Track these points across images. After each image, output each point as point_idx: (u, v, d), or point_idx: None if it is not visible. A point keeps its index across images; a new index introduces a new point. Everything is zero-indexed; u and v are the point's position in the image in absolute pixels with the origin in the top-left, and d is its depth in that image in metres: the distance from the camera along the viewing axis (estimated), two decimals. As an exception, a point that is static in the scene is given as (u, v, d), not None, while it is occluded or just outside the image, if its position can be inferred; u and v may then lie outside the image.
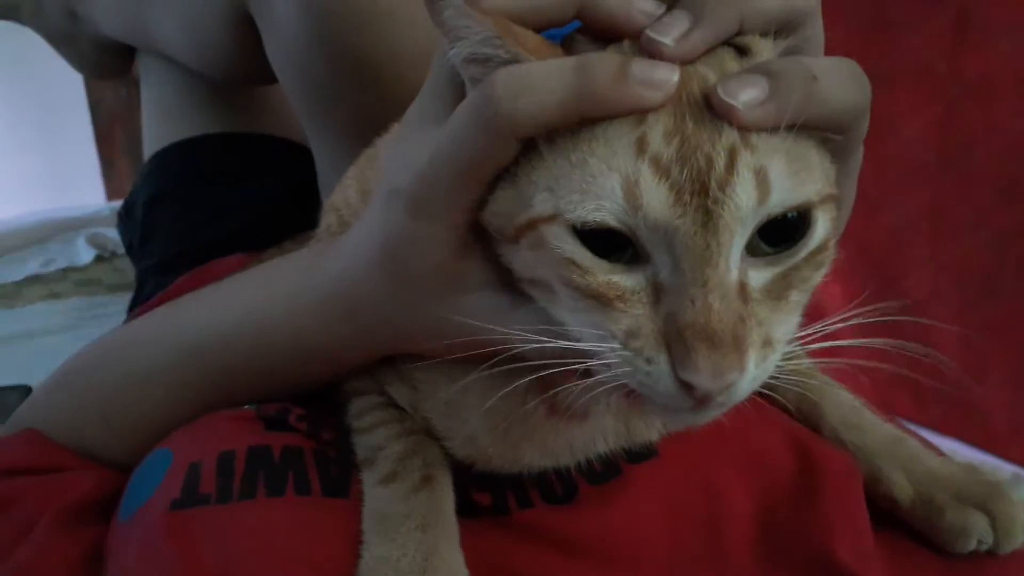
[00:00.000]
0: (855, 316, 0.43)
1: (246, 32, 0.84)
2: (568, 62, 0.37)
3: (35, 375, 0.91)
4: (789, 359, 0.41)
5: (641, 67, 0.37)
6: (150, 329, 0.64)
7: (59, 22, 1.20)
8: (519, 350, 0.43)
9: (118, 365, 0.63)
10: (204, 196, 1.04)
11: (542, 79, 0.37)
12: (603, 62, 0.37)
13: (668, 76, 0.37)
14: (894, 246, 1.47)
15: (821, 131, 0.39)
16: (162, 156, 1.10)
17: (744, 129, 0.36)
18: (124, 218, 1.13)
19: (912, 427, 0.71)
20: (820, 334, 0.42)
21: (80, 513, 0.56)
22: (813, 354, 0.42)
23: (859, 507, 0.57)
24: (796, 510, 0.57)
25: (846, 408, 0.63)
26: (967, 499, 0.56)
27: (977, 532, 0.54)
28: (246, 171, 1.06)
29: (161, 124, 1.12)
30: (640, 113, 0.37)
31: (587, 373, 0.41)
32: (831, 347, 0.42)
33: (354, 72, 0.74)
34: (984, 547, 0.55)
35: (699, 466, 0.59)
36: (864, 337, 0.44)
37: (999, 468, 0.90)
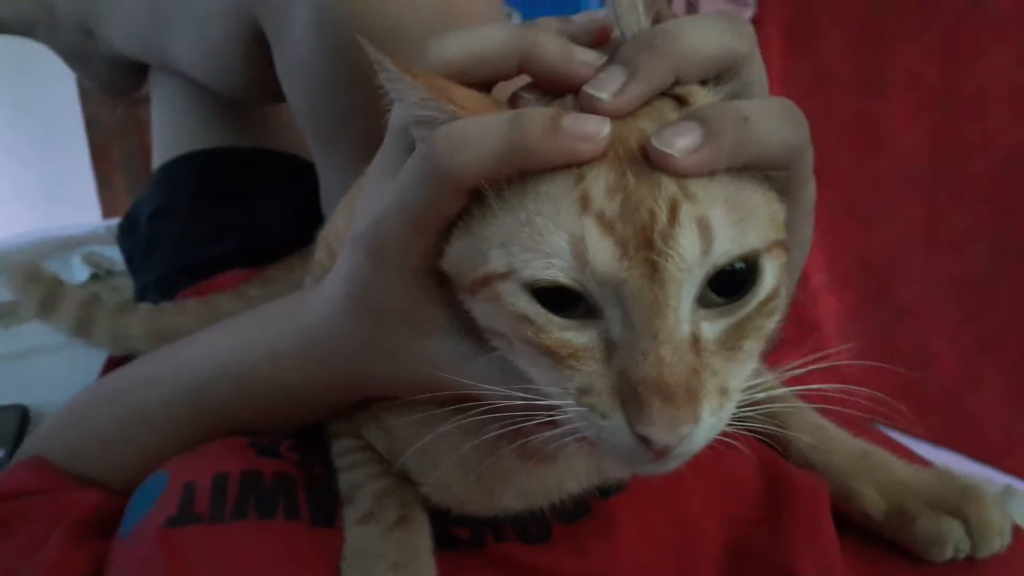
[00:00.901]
0: (851, 351, 0.43)
1: (259, 52, 0.85)
2: (503, 117, 0.38)
3: (31, 394, 0.91)
4: (757, 390, 0.41)
5: (572, 120, 0.37)
6: (148, 371, 0.67)
7: (74, 40, 1.21)
8: (484, 398, 0.43)
9: (118, 404, 0.66)
10: (209, 210, 1.04)
11: (478, 134, 0.38)
12: (535, 116, 0.37)
13: (599, 128, 0.37)
14: (890, 258, 1.47)
15: (762, 171, 0.39)
16: (169, 168, 1.10)
17: (682, 176, 0.37)
18: (126, 230, 1.13)
19: (908, 440, 0.71)
20: (807, 370, 0.42)
21: (83, 530, 0.58)
22: (809, 398, 0.42)
23: (825, 525, 0.57)
24: (763, 533, 0.58)
25: (811, 428, 0.63)
26: (940, 505, 0.56)
27: (952, 539, 0.54)
28: (252, 186, 1.06)
29: (170, 137, 1.12)
30: (578, 167, 0.38)
31: (551, 422, 0.42)
32: (829, 373, 0.42)
33: (366, 94, 0.74)
34: (962, 554, 0.55)
35: (669, 496, 0.59)
36: (857, 350, 0.44)
37: (991, 481, 0.90)
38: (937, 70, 1.42)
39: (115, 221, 1.25)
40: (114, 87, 1.29)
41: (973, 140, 1.41)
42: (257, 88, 0.93)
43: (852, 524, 0.58)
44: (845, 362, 0.44)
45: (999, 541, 0.54)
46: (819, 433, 0.62)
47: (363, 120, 0.77)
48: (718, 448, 0.40)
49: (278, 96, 0.86)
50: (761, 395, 0.41)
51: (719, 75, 0.42)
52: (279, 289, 0.85)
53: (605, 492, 0.58)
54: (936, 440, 1.36)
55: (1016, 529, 0.56)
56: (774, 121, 0.39)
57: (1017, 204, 1.38)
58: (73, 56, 1.26)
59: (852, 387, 0.43)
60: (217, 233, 1.01)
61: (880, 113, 1.47)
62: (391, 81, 0.40)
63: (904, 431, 0.78)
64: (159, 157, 1.13)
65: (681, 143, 0.36)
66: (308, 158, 1.03)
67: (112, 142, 1.99)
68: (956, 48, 1.40)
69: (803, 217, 0.45)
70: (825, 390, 0.42)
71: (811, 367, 0.42)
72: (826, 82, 1.53)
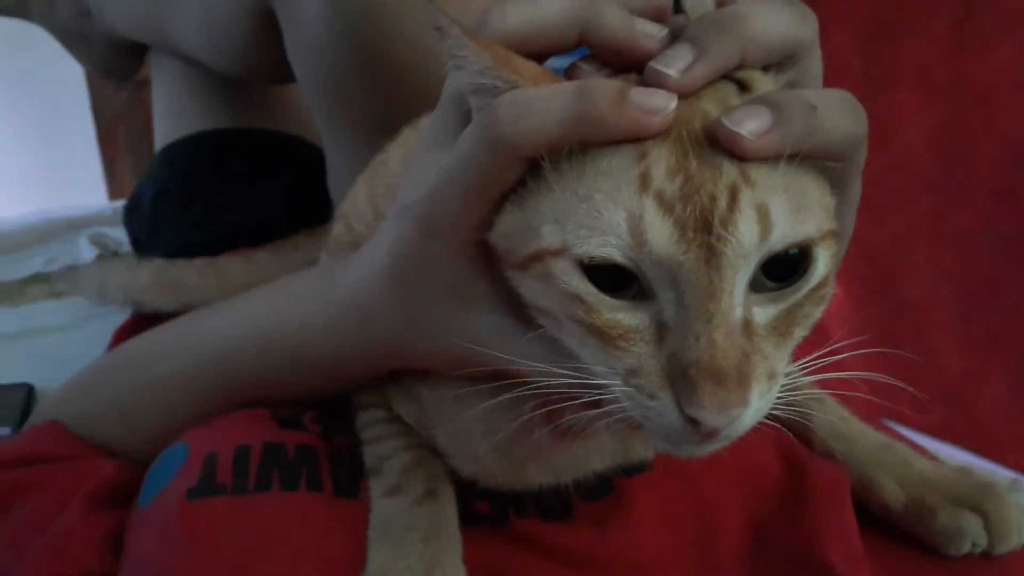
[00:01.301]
0: (859, 346, 0.44)
1: (267, 30, 0.84)
2: (569, 86, 0.38)
3: (37, 374, 0.91)
4: (794, 377, 0.41)
5: (640, 93, 0.37)
6: (171, 337, 0.66)
7: (71, 20, 1.19)
8: (522, 377, 0.43)
9: (139, 370, 0.65)
10: (212, 191, 1.03)
11: (543, 102, 0.38)
12: (603, 86, 0.38)
13: (666, 103, 0.37)
14: (895, 252, 1.47)
15: (820, 160, 0.40)
16: (171, 150, 1.09)
17: (748, 159, 0.37)
18: (131, 211, 1.13)
19: (911, 433, 0.72)
20: (824, 363, 0.42)
21: (102, 498, 0.58)
22: (817, 379, 0.43)
23: (847, 513, 0.58)
24: (786, 518, 0.58)
25: (834, 419, 0.63)
26: (960, 501, 0.56)
27: (971, 534, 0.55)
28: (255, 167, 1.05)
29: (172, 119, 1.11)
30: (641, 146, 0.38)
31: (594, 402, 0.42)
32: (833, 367, 0.42)
33: (376, 67, 0.74)
34: (979, 549, 0.55)
35: (691, 478, 0.59)
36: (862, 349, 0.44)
37: (997, 473, 0.90)
38: (944, 64, 1.42)
39: (121, 202, 1.25)
40: (112, 69, 1.28)
41: (979, 135, 1.41)
42: (263, 68, 0.93)
43: (869, 515, 0.59)
44: (853, 352, 0.44)
45: (1017, 539, 0.55)
46: (842, 424, 0.63)
47: (374, 101, 0.77)
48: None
49: (284, 76, 0.86)
50: (807, 379, 0.41)
51: (781, 62, 0.42)
52: (288, 260, 0.85)
53: (628, 471, 0.58)
54: (939, 435, 1.36)
55: None
56: (839, 112, 0.39)
57: (1022, 198, 1.38)
58: (70, 37, 1.24)
59: (870, 375, 0.43)
60: (219, 214, 1.01)
61: (887, 107, 1.46)
62: (455, 47, 0.40)
63: (909, 426, 0.79)
64: (161, 139, 1.12)
65: (751, 125, 0.37)
66: (310, 139, 1.03)
67: (118, 125, 1.99)
68: (963, 42, 1.40)
69: (848, 212, 0.45)
70: (842, 379, 0.42)
71: (827, 359, 0.42)
72: (832, 76, 1.52)
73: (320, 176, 0.93)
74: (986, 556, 0.56)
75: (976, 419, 1.44)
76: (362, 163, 0.66)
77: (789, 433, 0.64)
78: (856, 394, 0.56)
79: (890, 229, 1.47)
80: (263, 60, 0.90)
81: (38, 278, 1.16)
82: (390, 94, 0.74)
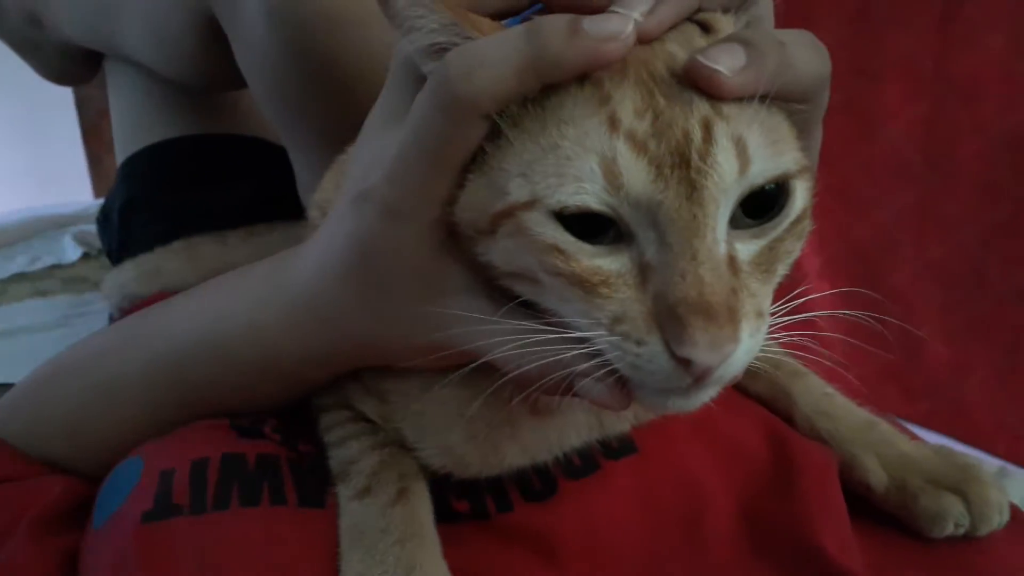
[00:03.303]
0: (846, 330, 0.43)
1: (214, 39, 0.82)
2: (517, 29, 0.37)
3: (20, 374, 0.90)
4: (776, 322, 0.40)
5: (593, 20, 0.36)
6: (117, 339, 0.62)
7: (23, 29, 1.16)
8: (497, 355, 0.42)
9: (84, 376, 0.61)
10: (177, 200, 1.01)
11: (494, 50, 0.37)
12: (553, 22, 0.36)
13: (622, 26, 0.36)
14: (880, 244, 1.47)
15: (788, 101, 0.40)
16: (133, 162, 1.06)
17: (725, 96, 0.37)
18: (103, 223, 1.11)
19: (898, 422, 0.72)
20: (795, 304, 0.41)
21: (50, 522, 0.55)
22: (789, 327, 0.42)
23: (836, 495, 0.58)
24: (776, 502, 0.57)
25: (817, 395, 0.63)
26: (941, 482, 0.56)
27: (953, 515, 0.55)
28: (219, 173, 1.03)
29: (131, 130, 1.08)
30: (602, 91, 0.37)
31: (569, 385, 0.41)
32: (806, 322, 0.42)
33: (323, 77, 0.73)
34: (961, 530, 0.55)
35: (677, 460, 0.59)
36: (845, 332, 0.44)
37: (984, 462, 0.91)
38: (930, 56, 1.42)
39: (107, 200, 1.24)
40: (66, 76, 1.25)
41: (965, 126, 1.41)
42: (214, 76, 0.91)
43: (850, 495, 0.59)
44: (836, 335, 0.44)
45: (998, 519, 0.55)
46: (825, 401, 0.62)
47: (324, 100, 0.75)
48: (724, 411, 0.39)
49: (236, 83, 0.84)
50: (789, 305, 0.41)
51: (737, 5, 0.42)
52: (262, 242, 0.84)
53: (614, 452, 0.57)
54: (926, 424, 1.36)
55: (1014, 508, 0.57)
56: (806, 49, 0.39)
57: (1007, 190, 1.38)
58: (23, 45, 1.21)
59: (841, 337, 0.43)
60: (186, 222, 0.98)
61: (873, 98, 1.46)
62: (407, 8, 0.38)
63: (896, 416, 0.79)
64: (122, 150, 1.09)
65: (728, 62, 0.36)
66: (274, 141, 1.02)
67: (103, 122, 1.97)
68: (949, 34, 1.40)
69: (810, 156, 0.45)
70: (827, 365, 0.42)
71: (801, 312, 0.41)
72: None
73: (288, 177, 0.92)
74: (968, 537, 0.56)
75: (962, 408, 1.45)
76: (325, 166, 0.63)
77: (768, 405, 0.64)
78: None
79: (875, 220, 1.47)
80: (213, 69, 0.88)
81: (22, 277, 1.15)
82: (345, 103, 0.72)
